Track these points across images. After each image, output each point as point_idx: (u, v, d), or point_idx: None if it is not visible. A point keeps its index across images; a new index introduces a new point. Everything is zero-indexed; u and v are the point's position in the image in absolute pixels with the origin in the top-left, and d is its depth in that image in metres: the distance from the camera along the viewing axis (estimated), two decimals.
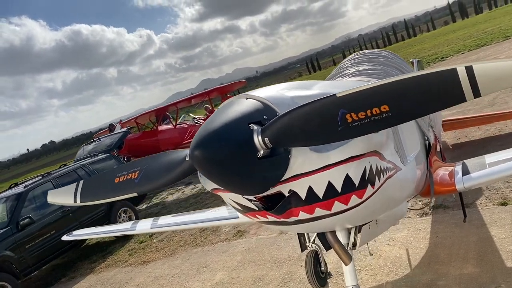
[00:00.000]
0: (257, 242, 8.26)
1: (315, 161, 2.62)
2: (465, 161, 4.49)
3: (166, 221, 6.20)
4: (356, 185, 2.80)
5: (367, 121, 2.21)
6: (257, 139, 2.33)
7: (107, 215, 11.60)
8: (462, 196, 5.16)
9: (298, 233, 4.28)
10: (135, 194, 2.88)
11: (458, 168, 4.39)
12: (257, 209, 2.85)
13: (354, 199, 2.86)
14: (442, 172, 4.63)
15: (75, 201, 3.08)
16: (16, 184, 11.84)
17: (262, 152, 2.35)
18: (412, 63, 8.38)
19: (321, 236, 3.64)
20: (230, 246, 8.61)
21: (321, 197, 2.74)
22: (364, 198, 2.92)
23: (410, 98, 2.11)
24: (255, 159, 2.35)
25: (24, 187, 10.97)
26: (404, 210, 3.98)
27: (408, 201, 4.40)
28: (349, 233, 3.59)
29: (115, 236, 11.79)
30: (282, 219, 2.89)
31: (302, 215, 2.84)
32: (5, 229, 9.96)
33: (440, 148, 6.12)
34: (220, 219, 5.77)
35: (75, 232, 7.75)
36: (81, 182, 3.18)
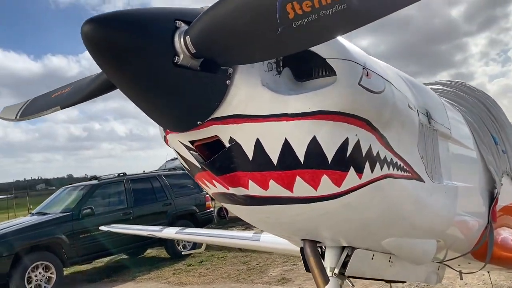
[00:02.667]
0: None
1: (267, 102, 1.93)
2: None
3: (191, 231, 5.84)
4: (329, 160, 2.04)
5: (316, 18, 1.51)
6: (177, 38, 1.74)
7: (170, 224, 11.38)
8: None
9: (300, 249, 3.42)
10: (58, 109, 2.44)
11: None
12: (199, 166, 2.20)
13: (327, 184, 2.09)
14: (509, 232, 3.51)
15: (15, 118, 2.72)
16: (96, 178, 12.24)
17: (181, 56, 1.74)
18: None
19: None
20: None
21: (275, 162, 2.02)
22: (343, 187, 2.12)
23: None
24: (170, 64, 1.74)
25: (98, 180, 11.30)
26: (430, 251, 2.96)
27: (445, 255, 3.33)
28: (340, 253, 2.73)
29: (170, 255, 11.53)
30: (230, 191, 2.20)
31: (253, 188, 2.12)
32: (67, 214, 10.23)
33: None
34: (239, 238, 5.20)
35: (113, 225, 7.60)
36: (29, 100, 2.84)
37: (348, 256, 2.70)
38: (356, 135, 2.08)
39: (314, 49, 2.00)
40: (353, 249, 2.70)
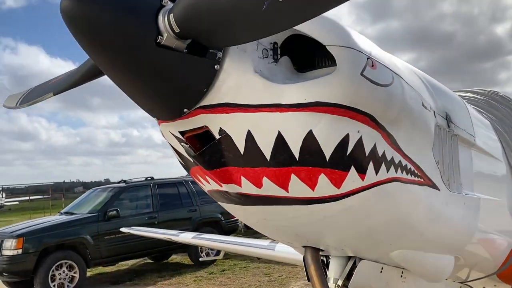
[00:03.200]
0: None
1: (259, 91, 1.79)
2: None
3: (207, 237, 5.73)
4: (327, 158, 1.87)
5: None
6: (161, 16, 1.62)
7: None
8: None
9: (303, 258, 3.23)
10: (51, 95, 2.37)
11: None
12: (191, 160, 2.07)
13: (325, 184, 1.92)
14: None
15: (16, 105, 2.68)
16: (124, 181, 12.32)
17: (165, 36, 1.62)
18: None
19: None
20: None
21: (268, 157, 1.86)
22: (344, 188, 1.95)
23: None
24: (152, 43, 1.62)
25: (126, 183, 11.39)
26: (446, 268, 2.70)
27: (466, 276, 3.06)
28: (346, 264, 2.53)
29: (193, 261, 11.45)
30: (223, 188, 2.06)
31: (246, 185, 1.97)
32: (93, 215, 10.33)
33: None
34: (254, 247, 5.06)
35: (133, 227, 7.59)
36: (30, 88, 2.80)
37: (354, 267, 2.50)
38: (358, 132, 1.90)
39: (313, 35, 1.85)
40: (359, 259, 2.50)
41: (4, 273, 9.30)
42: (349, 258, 2.54)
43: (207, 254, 11.23)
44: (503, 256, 3.15)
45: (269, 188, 1.94)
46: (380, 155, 1.99)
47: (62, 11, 1.56)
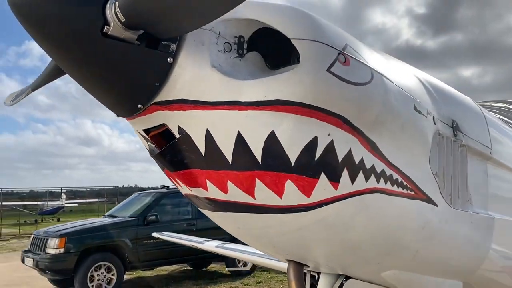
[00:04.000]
0: None
1: (216, 87, 1.67)
2: None
3: (231, 246, 5.65)
4: (292, 162, 1.71)
5: None
6: (109, 5, 1.54)
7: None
8: None
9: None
10: (30, 91, 2.36)
11: None
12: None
13: (292, 191, 1.77)
14: None
15: (9, 102, 2.71)
16: (167, 187, 12.46)
17: (112, 26, 1.54)
18: None
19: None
20: None
21: (229, 159, 1.74)
22: (314, 197, 1.78)
23: None
24: (98, 33, 1.55)
25: (167, 189, 11.53)
26: None
27: None
28: (334, 282, 2.33)
29: (230, 271, 11.36)
30: (193, 192, 1.97)
31: (212, 190, 1.86)
32: (133, 219, 10.52)
33: None
34: (270, 259, 4.97)
35: (164, 233, 7.64)
36: (26, 86, 2.83)
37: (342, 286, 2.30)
38: (329, 135, 1.73)
39: (279, 27, 1.71)
40: (347, 278, 2.29)
41: (47, 271, 9.65)
42: (339, 276, 2.34)
43: (244, 265, 11.11)
44: None
45: (235, 193, 1.82)
46: (357, 162, 1.80)
47: (8, 0, 1.52)
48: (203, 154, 1.75)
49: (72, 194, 53.52)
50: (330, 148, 1.73)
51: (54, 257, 9.45)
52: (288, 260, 2.29)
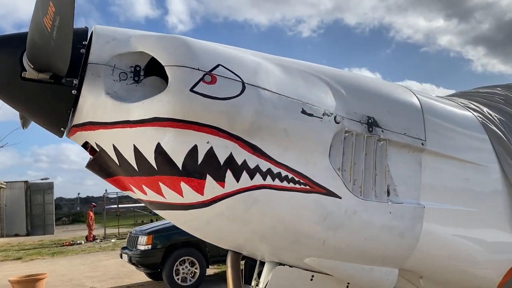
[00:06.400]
0: None
1: (110, 110, 2.08)
2: None
3: None
4: (179, 167, 2.07)
5: (57, 31, 1.69)
6: (25, 56, 2.04)
7: None
8: None
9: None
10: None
11: None
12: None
13: (189, 191, 2.12)
14: None
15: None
16: None
17: (28, 71, 2.04)
18: None
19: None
20: None
21: (136, 168, 2.15)
22: (207, 195, 2.12)
23: None
24: (18, 77, 2.05)
25: None
26: (383, 280, 2.52)
27: None
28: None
29: None
30: (139, 194, 2.40)
31: (137, 192, 2.29)
32: None
33: None
34: None
35: None
36: None
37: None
38: (208, 142, 2.05)
39: (158, 57, 2.07)
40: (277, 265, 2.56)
41: (138, 265, 10.80)
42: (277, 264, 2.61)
43: None
44: (498, 274, 2.79)
45: (152, 195, 2.22)
46: (239, 164, 2.09)
47: None
48: (118, 164, 2.18)
49: None
50: (211, 153, 2.04)
51: (144, 253, 10.54)
52: (229, 250, 2.63)
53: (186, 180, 2.08)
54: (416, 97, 2.70)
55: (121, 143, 2.11)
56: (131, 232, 12.01)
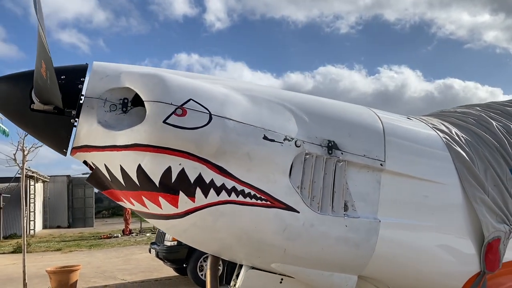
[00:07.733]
0: None
1: (101, 136, 2.50)
2: None
3: None
4: (157, 184, 2.48)
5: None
6: (33, 90, 2.50)
7: None
8: None
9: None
10: None
11: None
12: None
13: (166, 204, 2.52)
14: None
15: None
16: None
17: (36, 103, 2.49)
18: None
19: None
20: None
21: (123, 183, 2.57)
22: (180, 208, 2.52)
23: None
24: (27, 108, 2.51)
25: None
26: (341, 285, 2.82)
27: None
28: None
29: None
30: (128, 205, 2.83)
31: (128, 203, 2.73)
32: None
33: None
34: None
35: None
36: None
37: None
38: (180, 164, 2.44)
39: (140, 93, 2.48)
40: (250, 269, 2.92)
41: (165, 260, 11.36)
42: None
43: None
44: (454, 285, 3.04)
45: (138, 206, 2.64)
46: (207, 182, 2.47)
47: None
48: (110, 180, 2.61)
49: None
50: (182, 174, 2.43)
51: (170, 249, 11.07)
52: (210, 254, 3.02)
53: (163, 195, 2.48)
54: (380, 120, 2.97)
55: (111, 163, 2.53)
56: (159, 228, 12.58)
